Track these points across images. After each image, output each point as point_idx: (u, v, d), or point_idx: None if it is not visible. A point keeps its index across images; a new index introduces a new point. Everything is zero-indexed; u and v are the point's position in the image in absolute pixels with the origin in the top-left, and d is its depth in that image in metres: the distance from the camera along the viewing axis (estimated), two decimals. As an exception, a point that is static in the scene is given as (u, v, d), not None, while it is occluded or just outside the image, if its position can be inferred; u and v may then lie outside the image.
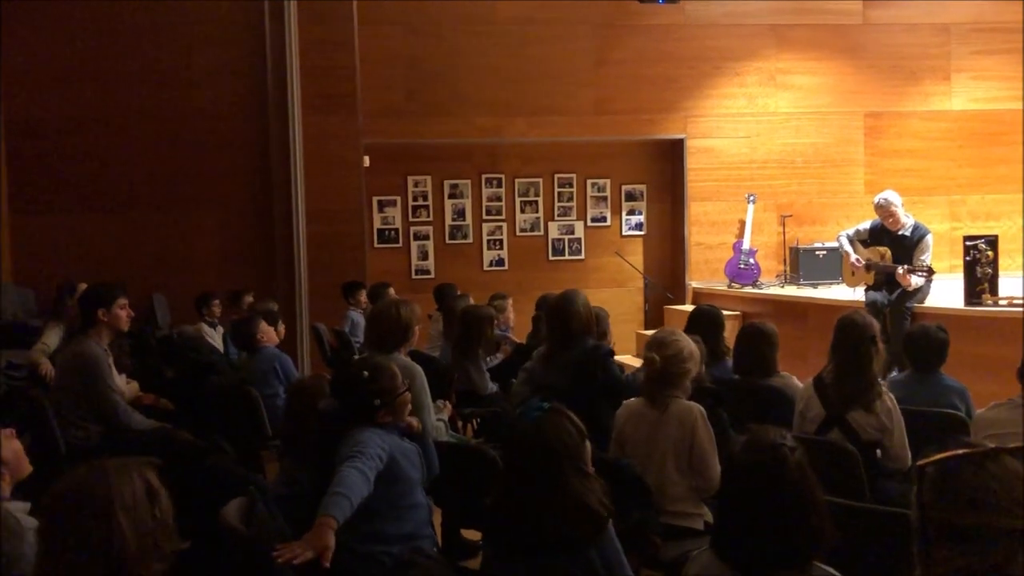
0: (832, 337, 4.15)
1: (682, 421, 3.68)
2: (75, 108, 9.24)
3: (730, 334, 5.60)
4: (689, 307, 9.44)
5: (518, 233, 11.01)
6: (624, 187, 11.18)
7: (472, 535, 4.38)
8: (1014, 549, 1.46)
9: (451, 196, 10.87)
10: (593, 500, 2.62)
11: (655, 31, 10.69)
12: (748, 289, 10.17)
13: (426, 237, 10.84)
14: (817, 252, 10.15)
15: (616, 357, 4.94)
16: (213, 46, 9.42)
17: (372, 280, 9.15)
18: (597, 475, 2.78)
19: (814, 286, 9.79)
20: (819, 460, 2.40)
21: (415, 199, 10.81)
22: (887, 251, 7.42)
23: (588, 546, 2.59)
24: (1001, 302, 6.74)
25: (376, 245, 10.61)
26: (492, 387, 6.01)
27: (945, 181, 11.18)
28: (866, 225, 7.71)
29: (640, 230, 11.24)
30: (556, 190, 11.06)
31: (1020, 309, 6.44)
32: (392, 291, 7.89)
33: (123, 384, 5.04)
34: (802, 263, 10.13)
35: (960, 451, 1.54)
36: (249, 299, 8.33)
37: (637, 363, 8.00)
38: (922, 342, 4.71)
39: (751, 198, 10.70)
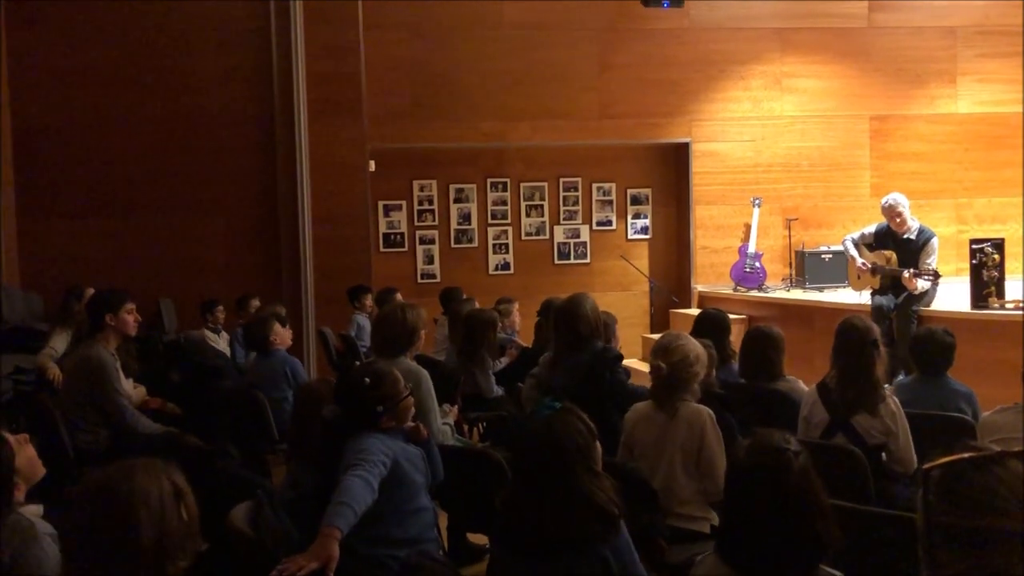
0: (833, 342, 4.15)
1: (691, 424, 3.69)
2: (83, 113, 9.27)
3: (736, 338, 5.60)
4: (695, 311, 9.44)
5: (523, 237, 11.03)
6: (629, 191, 11.18)
7: (478, 539, 4.38)
8: (1019, 552, 1.46)
9: (456, 200, 10.89)
10: (603, 499, 2.61)
11: (659, 35, 10.70)
12: (754, 293, 10.17)
13: (432, 241, 10.85)
14: (823, 256, 10.14)
15: (623, 361, 4.95)
16: (219, 52, 9.45)
17: (378, 284, 9.17)
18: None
19: (820, 290, 9.78)
20: (824, 464, 2.40)
21: (421, 203, 10.83)
22: (893, 255, 7.42)
23: (600, 546, 2.58)
24: (1008, 305, 6.73)
25: (382, 249, 10.64)
26: (498, 390, 6.01)
27: (951, 184, 11.16)
28: (871, 229, 7.71)
29: (645, 234, 11.24)
30: (561, 194, 11.07)
31: (1026, 312, 6.43)
32: (399, 296, 7.90)
33: (130, 388, 5.05)
34: (808, 267, 10.13)
35: (965, 455, 1.54)
36: (255, 304, 8.35)
37: (643, 367, 8.01)
38: (929, 346, 4.70)
39: (756, 202, 10.69)
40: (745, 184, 10.89)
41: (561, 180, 11.06)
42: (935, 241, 7.37)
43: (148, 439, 4.64)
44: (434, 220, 10.85)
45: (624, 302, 10.79)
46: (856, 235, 7.81)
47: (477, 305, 7.11)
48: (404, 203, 10.79)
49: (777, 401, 4.47)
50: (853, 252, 7.69)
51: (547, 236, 11.08)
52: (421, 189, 10.82)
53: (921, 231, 7.40)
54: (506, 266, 10.98)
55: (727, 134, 10.94)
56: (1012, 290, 6.98)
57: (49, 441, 4.42)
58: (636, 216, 11.21)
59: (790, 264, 10.65)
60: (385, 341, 4.46)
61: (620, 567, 2.61)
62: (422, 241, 10.84)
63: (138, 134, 9.34)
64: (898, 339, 7.07)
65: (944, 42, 11.12)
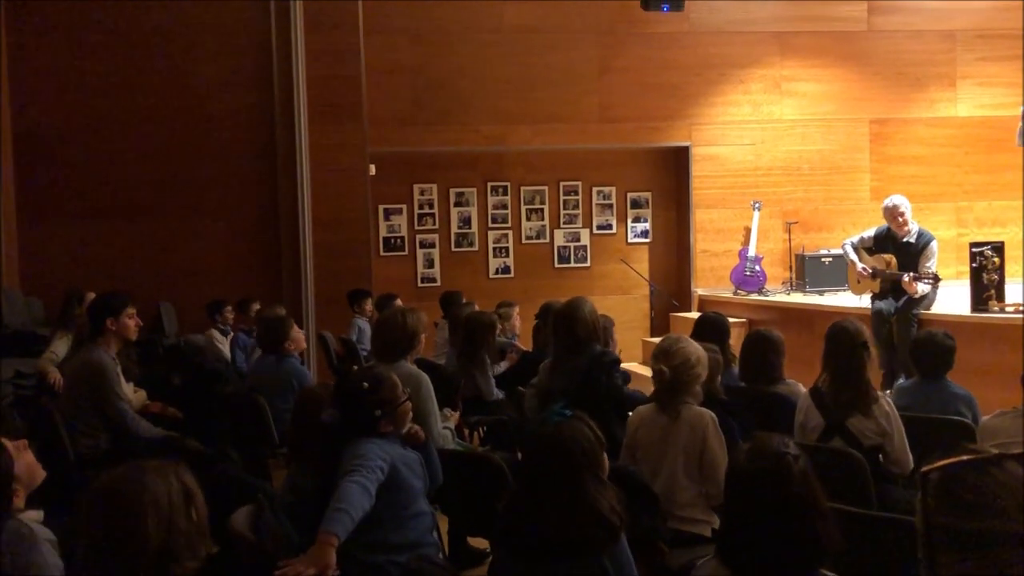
0: (824, 346, 4.16)
1: (694, 427, 3.70)
2: (83, 117, 9.28)
3: (736, 341, 5.61)
4: (695, 314, 9.44)
5: (524, 241, 11.03)
6: (629, 195, 11.19)
7: (479, 543, 4.38)
8: (1018, 554, 1.46)
9: (457, 204, 10.90)
10: (606, 507, 2.62)
11: (659, 39, 10.72)
12: (754, 296, 10.17)
13: (432, 245, 10.86)
14: (823, 259, 10.15)
15: (622, 364, 4.95)
16: (220, 55, 9.46)
17: (378, 288, 9.18)
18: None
19: (820, 293, 9.79)
20: (823, 467, 2.41)
21: (421, 207, 10.84)
22: (892, 258, 7.42)
23: (599, 554, 2.60)
24: (1008, 309, 6.73)
25: (382, 253, 10.64)
26: (498, 394, 6.01)
27: (951, 187, 11.17)
28: (871, 232, 7.71)
29: (646, 237, 11.25)
30: (561, 198, 11.08)
31: (1026, 315, 6.43)
32: (399, 301, 7.91)
33: (131, 393, 5.05)
34: (808, 270, 10.13)
35: (964, 457, 1.55)
36: (256, 307, 8.35)
37: (644, 370, 8.02)
38: (929, 349, 4.71)
39: (757, 205, 10.70)
40: (745, 188, 10.90)
41: (561, 184, 11.07)
42: (935, 244, 7.37)
43: (149, 443, 4.65)
44: (434, 224, 10.86)
45: (624, 306, 10.80)
46: (855, 239, 7.81)
47: (477, 309, 7.12)
48: (404, 207, 10.79)
49: (777, 405, 4.47)
50: (852, 256, 7.69)
51: (547, 240, 11.08)
52: (421, 193, 10.83)
53: (921, 234, 7.40)
54: (506, 270, 10.99)
55: (727, 138, 10.95)
56: (1012, 293, 6.98)
57: (50, 445, 4.42)
58: (636, 220, 11.22)
59: (790, 268, 10.66)
60: (385, 345, 4.46)
61: (617, 574, 2.62)
62: (422, 245, 10.85)
63: (138, 138, 9.36)
64: (898, 343, 7.07)
65: (944, 46, 11.14)
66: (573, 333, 4.56)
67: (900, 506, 3.49)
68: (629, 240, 11.21)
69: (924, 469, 1.57)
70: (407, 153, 10.46)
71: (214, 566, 2.11)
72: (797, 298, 9.78)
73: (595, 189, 11.12)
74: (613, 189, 11.15)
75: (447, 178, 10.86)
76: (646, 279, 10.97)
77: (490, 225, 10.97)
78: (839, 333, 4.13)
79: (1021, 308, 6.65)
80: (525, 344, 7.47)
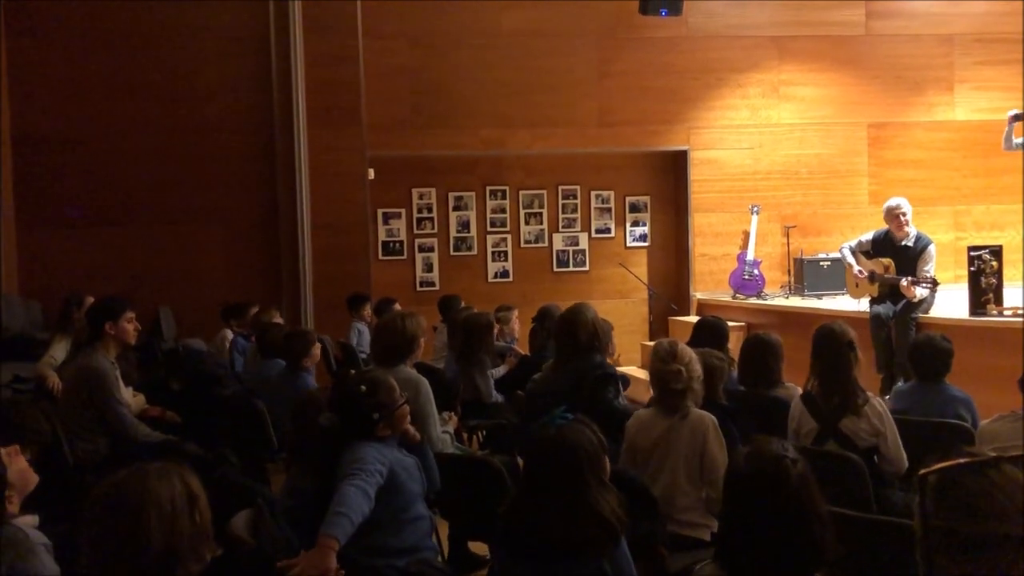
0: (812, 350, 4.17)
1: (694, 429, 3.71)
2: (81, 121, 9.29)
3: (735, 345, 5.61)
4: (693, 318, 9.44)
5: (522, 245, 11.04)
6: (628, 199, 11.20)
7: (478, 548, 4.38)
8: (1016, 556, 1.47)
9: (455, 208, 10.90)
10: (607, 511, 2.64)
11: (658, 43, 10.73)
12: (752, 300, 10.18)
13: (431, 249, 10.86)
14: (821, 263, 10.16)
15: (621, 368, 4.96)
16: (219, 60, 9.47)
17: (377, 292, 9.17)
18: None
19: (819, 297, 9.80)
20: (822, 471, 2.41)
21: (420, 211, 10.84)
22: (890, 262, 7.43)
23: (599, 556, 2.60)
24: (1006, 312, 6.73)
25: (381, 257, 10.64)
26: (497, 397, 6.01)
27: (949, 191, 11.19)
28: (868, 236, 7.72)
29: (644, 241, 11.26)
30: (560, 202, 11.08)
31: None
32: (398, 306, 7.91)
33: (130, 397, 5.05)
34: (806, 274, 10.14)
35: (961, 460, 1.55)
36: (254, 311, 8.34)
37: (642, 374, 8.01)
38: (927, 352, 4.72)
39: (755, 209, 10.71)
40: (743, 191, 10.91)
41: (560, 188, 11.08)
42: (932, 248, 7.38)
43: (148, 448, 4.65)
44: (433, 228, 10.86)
45: (623, 310, 10.81)
46: (853, 243, 7.82)
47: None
48: (403, 211, 10.80)
49: (776, 408, 4.48)
50: (851, 260, 7.70)
51: (546, 244, 11.09)
52: (420, 197, 10.83)
53: (919, 238, 7.42)
54: (505, 274, 10.99)
55: (725, 142, 10.96)
56: (1010, 297, 6.99)
57: (48, 450, 4.42)
58: (635, 224, 11.23)
59: (788, 271, 10.67)
60: (385, 350, 4.47)
61: (617, 578, 2.63)
62: (421, 249, 10.85)
63: (137, 142, 9.36)
64: (897, 347, 7.08)
65: (941, 50, 11.16)
66: (574, 338, 4.56)
67: (898, 509, 3.50)
68: (628, 244, 11.22)
69: (922, 472, 1.57)
70: (406, 157, 10.47)
71: (218, 569, 2.11)
72: (795, 302, 9.79)
73: (594, 193, 11.13)
74: (612, 193, 11.16)
75: (446, 182, 10.86)
76: (645, 283, 10.98)
77: (489, 229, 10.97)
78: (826, 335, 4.14)
79: (1019, 312, 6.65)
80: (524, 348, 7.47)
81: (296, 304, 9.23)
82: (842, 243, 8.14)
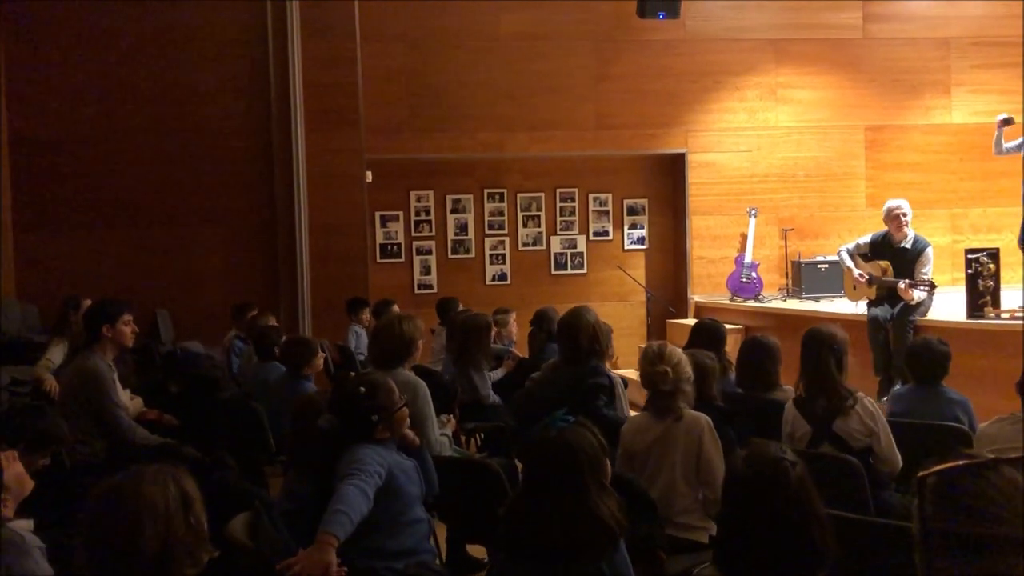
0: (800, 353, 4.17)
1: (689, 431, 3.71)
2: (78, 124, 9.27)
3: (732, 348, 5.61)
4: (691, 321, 9.45)
5: (520, 247, 11.04)
6: (626, 201, 11.21)
7: (477, 551, 4.38)
8: (1015, 559, 1.47)
9: (453, 211, 10.91)
10: (607, 514, 2.64)
11: (656, 46, 10.75)
12: (750, 303, 10.18)
13: (429, 252, 10.86)
14: (819, 266, 10.17)
15: (619, 371, 4.96)
16: (216, 63, 9.46)
17: (375, 295, 9.17)
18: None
19: (816, 299, 9.80)
20: (820, 473, 2.41)
21: (418, 214, 10.84)
22: (888, 265, 7.43)
23: (598, 560, 2.61)
24: (1003, 315, 6.74)
25: (379, 260, 10.64)
26: (494, 398, 6.01)
27: (946, 194, 11.20)
28: (866, 239, 7.73)
29: (642, 244, 11.26)
30: (558, 204, 11.09)
31: (1022, 322, 6.44)
32: (396, 308, 7.90)
33: (127, 400, 5.05)
34: (804, 277, 10.15)
35: (960, 462, 1.55)
36: (252, 314, 8.32)
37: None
38: (924, 355, 4.72)
39: (753, 212, 10.72)
40: (741, 194, 10.92)
41: (558, 190, 11.08)
42: (930, 251, 7.39)
43: (145, 451, 4.64)
44: (431, 231, 10.86)
45: (621, 312, 10.81)
46: (851, 245, 7.83)
47: (473, 313, 7.12)
48: (401, 214, 10.80)
49: (774, 411, 4.48)
50: (848, 263, 7.71)
51: (544, 246, 11.09)
52: (418, 200, 10.83)
53: (916, 241, 7.42)
54: (503, 276, 10.99)
55: (723, 144, 10.97)
56: (1007, 299, 7.00)
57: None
58: (633, 226, 11.23)
59: (786, 274, 10.68)
60: (383, 353, 4.47)
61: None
62: (419, 252, 10.85)
63: (135, 145, 9.35)
64: (894, 349, 7.09)
65: (938, 53, 11.18)
66: (575, 342, 4.57)
67: (895, 511, 3.50)
68: (625, 247, 11.22)
69: (921, 474, 1.57)
70: (404, 160, 10.47)
71: (215, 572, 2.12)
72: (793, 304, 9.80)
73: (591, 196, 11.14)
74: (609, 196, 11.16)
75: (444, 185, 10.87)
76: (643, 286, 10.98)
77: (487, 232, 10.98)
78: (814, 337, 4.16)
79: (1016, 314, 6.66)
80: (522, 351, 7.47)
81: (294, 306, 9.23)
82: (840, 246, 8.14)
